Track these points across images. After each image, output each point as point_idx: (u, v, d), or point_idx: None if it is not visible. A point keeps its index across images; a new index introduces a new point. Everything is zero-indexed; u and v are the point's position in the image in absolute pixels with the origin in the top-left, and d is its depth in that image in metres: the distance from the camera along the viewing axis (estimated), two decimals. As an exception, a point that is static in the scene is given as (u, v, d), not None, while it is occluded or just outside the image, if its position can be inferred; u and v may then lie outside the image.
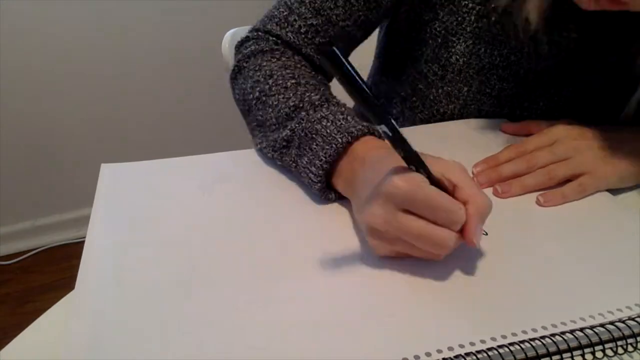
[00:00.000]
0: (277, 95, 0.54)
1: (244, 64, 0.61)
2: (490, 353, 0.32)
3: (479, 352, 0.32)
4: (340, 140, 0.47)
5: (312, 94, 0.53)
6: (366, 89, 0.35)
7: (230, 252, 0.43)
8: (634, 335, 0.33)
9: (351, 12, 0.62)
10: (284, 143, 0.52)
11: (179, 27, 1.66)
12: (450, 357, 0.32)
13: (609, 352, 0.33)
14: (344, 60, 0.33)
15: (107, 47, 1.63)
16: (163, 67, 1.71)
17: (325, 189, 0.49)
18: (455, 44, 0.64)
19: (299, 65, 0.59)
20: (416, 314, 0.37)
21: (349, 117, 0.50)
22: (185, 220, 0.47)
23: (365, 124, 0.49)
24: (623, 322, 0.34)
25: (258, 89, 0.56)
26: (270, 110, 0.54)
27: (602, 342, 0.33)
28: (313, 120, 0.50)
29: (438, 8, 0.64)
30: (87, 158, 1.72)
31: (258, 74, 0.58)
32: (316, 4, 0.61)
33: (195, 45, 1.67)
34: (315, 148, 0.48)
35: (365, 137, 0.48)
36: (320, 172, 0.47)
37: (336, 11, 0.61)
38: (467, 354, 0.32)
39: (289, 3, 0.62)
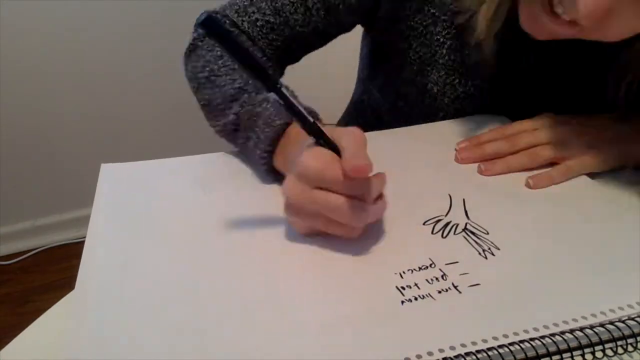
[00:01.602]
0: (224, 76, 0.56)
1: (199, 43, 0.62)
2: (490, 353, 0.32)
3: (479, 351, 0.32)
4: (278, 122, 0.49)
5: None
6: (252, 56, 0.38)
7: (231, 251, 0.43)
8: (634, 335, 0.33)
9: (310, 21, 0.63)
10: (233, 127, 0.54)
11: (179, 26, 1.65)
12: (450, 357, 0.32)
13: (609, 352, 0.33)
14: (228, 30, 0.37)
15: (107, 47, 1.63)
16: (163, 66, 1.71)
17: (271, 171, 0.51)
18: (430, 73, 0.65)
19: (250, 48, 0.61)
20: (418, 313, 0.37)
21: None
22: (185, 220, 0.47)
23: (304, 105, 0.50)
24: (623, 321, 0.34)
25: (208, 68, 0.58)
26: (217, 90, 0.56)
27: (602, 342, 0.33)
28: (255, 102, 0.52)
29: (411, 39, 0.65)
30: (87, 158, 1.72)
31: (210, 54, 0.59)
32: (277, 4, 0.61)
33: (195, 45, 1.67)
34: (257, 131, 0.51)
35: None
36: (263, 154, 0.50)
37: (295, 16, 0.62)
38: (467, 354, 0.32)
39: None
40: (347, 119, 0.89)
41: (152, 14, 1.63)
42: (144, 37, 1.64)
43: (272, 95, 0.39)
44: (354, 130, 0.43)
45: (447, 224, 0.46)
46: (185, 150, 0.59)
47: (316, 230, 0.43)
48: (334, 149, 0.41)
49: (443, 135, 0.62)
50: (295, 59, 0.69)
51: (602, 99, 0.57)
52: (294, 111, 0.40)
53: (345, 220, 0.40)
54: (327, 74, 0.84)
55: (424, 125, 0.65)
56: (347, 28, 0.68)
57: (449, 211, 0.48)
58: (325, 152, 0.41)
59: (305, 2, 0.61)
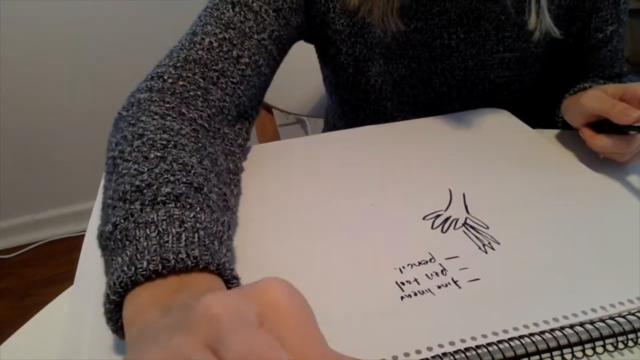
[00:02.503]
0: (131, 163, 0.40)
1: (124, 113, 0.48)
2: (490, 348, 0.32)
3: (478, 347, 0.32)
4: (144, 265, 0.31)
5: (167, 183, 0.37)
6: None
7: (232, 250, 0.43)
8: (634, 330, 0.33)
9: (264, 25, 0.58)
10: (105, 237, 0.36)
11: (180, 27, 1.65)
12: (450, 352, 0.32)
13: (610, 347, 0.33)
14: None
15: (108, 44, 1.62)
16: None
17: (115, 315, 0.32)
18: (370, 68, 0.67)
19: (185, 125, 0.46)
20: (417, 308, 0.37)
21: (184, 235, 0.34)
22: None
23: (196, 252, 0.32)
24: (623, 316, 0.34)
25: (120, 148, 0.42)
26: (116, 178, 0.39)
27: (602, 337, 0.33)
28: (140, 222, 0.34)
29: (339, 43, 0.66)
30: (87, 152, 1.72)
31: (130, 129, 0.44)
32: (223, 20, 0.56)
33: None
34: (121, 263, 0.32)
35: (194, 274, 0.32)
36: (107, 303, 0.32)
37: (248, 24, 0.57)
38: (467, 349, 0.32)
39: (192, 31, 0.56)
40: (325, 124, 0.90)
41: (154, 13, 1.62)
42: (146, 36, 1.64)
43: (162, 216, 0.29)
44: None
45: (447, 218, 0.46)
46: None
47: None
48: None
49: (443, 129, 0.62)
50: (265, 81, 0.61)
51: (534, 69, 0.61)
52: None
53: None
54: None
55: (424, 119, 0.65)
56: (296, 33, 0.64)
57: (448, 206, 0.48)
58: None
59: (251, 8, 0.57)
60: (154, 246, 0.32)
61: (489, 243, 0.43)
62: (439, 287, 0.39)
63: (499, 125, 0.62)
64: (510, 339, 0.33)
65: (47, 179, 1.75)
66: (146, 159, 0.40)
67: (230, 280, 0.34)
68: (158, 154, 0.40)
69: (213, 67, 0.53)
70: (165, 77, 0.50)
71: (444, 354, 0.32)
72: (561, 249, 0.43)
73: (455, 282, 0.39)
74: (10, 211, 1.76)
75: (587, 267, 0.41)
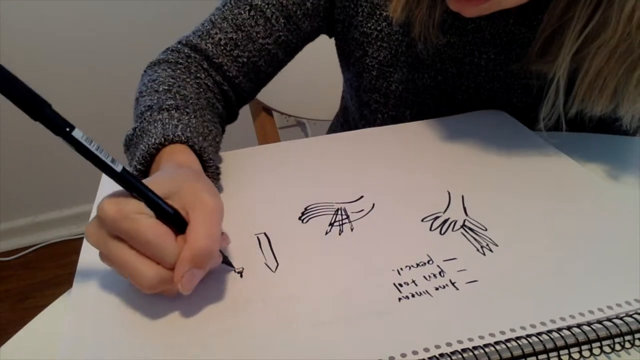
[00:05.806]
0: (146, 97, 0.55)
1: (147, 70, 0.63)
2: (487, 350, 0.32)
3: (475, 348, 0.32)
4: (153, 141, 0.46)
5: (170, 100, 0.53)
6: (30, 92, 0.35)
7: (229, 248, 0.43)
8: (631, 332, 0.34)
9: (272, 31, 0.64)
10: (128, 140, 0.51)
11: (179, 27, 1.66)
12: (447, 354, 0.32)
13: (607, 349, 0.34)
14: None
15: (108, 46, 1.63)
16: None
17: None
18: (392, 74, 0.67)
19: (189, 79, 0.60)
20: (415, 310, 0.37)
21: (180, 125, 0.48)
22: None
23: (188, 134, 0.47)
24: (621, 318, 0.34)
25: (139, 90, 0.58)
26: (135, 107, 0.56)
27: (599, 339, 0.33)
28: (151, 120, 0.50)
29: (366, 45, 0.67)
30: (87, 154, 1.72)
31: (147, 78, 0.59)
32: (237, 21, 0.64)
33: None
34: (139, 148, 0.47)
35: (177, 145, 0.46)
36: (135, 172, 0.46)
37: (257, 29, 0.64)
38: (464, 350, 0.32)
39: (213, 19, 0.65)
40: (337, 124, 0.89)
41: (153, 14, 1.62)
42: (145, 37, 1.64)
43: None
44: (210, 205, 0.36)
45: (446, 220, 0.46)
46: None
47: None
48: (167, 215, 0.36)
49: (441, 131, 0.62)
50: (266, 76, 0.69)
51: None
52: (93, 159, 0.36)
53: (133, 281, 0.35)
54: (327, 67, 0.86)
55: (421, 122, 0.65)
56: (309, 36, 0.69)
57: (447, 208, 0.48)
58: (132, 201, 0.35)
59: (264, 14, 0.63)
60: (160, 132, 0.47)
61: (487, 245, 0.43)
62: (437, 289, 0.39)
63: (497, 127, 0.62)
64: (508, 340, 0.33)
65: (47, 181, 1.76)
66: (156, 92, 0.55)
67: (207, 162, 0.48)
68: (165, 88, 0.56)
69: (214, 60, 0.63)
70: (178, 55, 0.63)
71: (441, 355, 0.32)
72: (559, 251, 0.43)
73: (453, 284, 0.39)
74: (10, 213, 1.76)
75: (585, 269, 0.41)
